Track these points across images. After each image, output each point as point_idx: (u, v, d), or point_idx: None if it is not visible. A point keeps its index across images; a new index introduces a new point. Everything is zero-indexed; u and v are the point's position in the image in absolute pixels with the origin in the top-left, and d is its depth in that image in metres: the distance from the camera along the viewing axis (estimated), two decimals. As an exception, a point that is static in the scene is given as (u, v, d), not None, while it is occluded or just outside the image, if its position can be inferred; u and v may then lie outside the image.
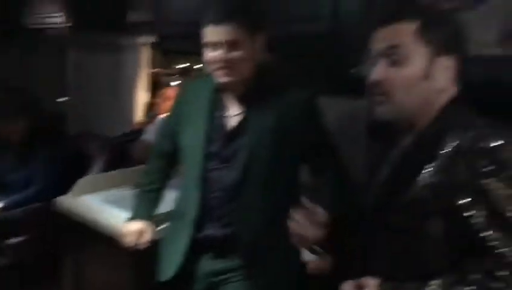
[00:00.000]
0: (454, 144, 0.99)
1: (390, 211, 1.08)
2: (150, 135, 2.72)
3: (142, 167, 2.73)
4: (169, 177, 1.91)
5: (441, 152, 1.00)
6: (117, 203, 2.28)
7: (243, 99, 1.62)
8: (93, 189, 2.44)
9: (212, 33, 1.50)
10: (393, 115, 1.09)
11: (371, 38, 1.11)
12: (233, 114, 1.64)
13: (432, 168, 1.01)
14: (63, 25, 3.59)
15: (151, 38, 2.98)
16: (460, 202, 0.95)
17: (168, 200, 1.90)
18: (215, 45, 1.51)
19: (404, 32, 1.06)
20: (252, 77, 1.59)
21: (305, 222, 1.18)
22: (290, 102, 1.60)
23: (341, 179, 1.67)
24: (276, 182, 1.62)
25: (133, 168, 2.73)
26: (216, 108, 1.65)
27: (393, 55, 1.06)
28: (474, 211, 0.94)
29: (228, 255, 1.66)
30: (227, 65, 1.52)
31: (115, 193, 2.47)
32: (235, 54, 1.51)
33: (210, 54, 1.53)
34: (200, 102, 1.68)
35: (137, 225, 1.81)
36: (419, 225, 1.01)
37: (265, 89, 1.61)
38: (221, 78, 1.56)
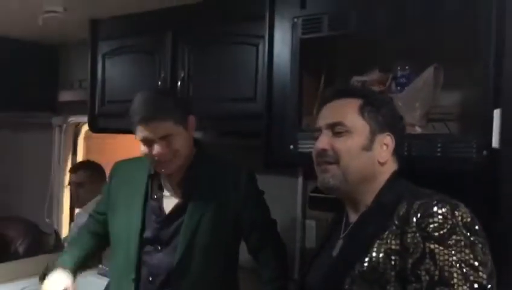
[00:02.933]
0: (404, 211, 1.04)
1: (346, 282, 1.08)
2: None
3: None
4: (99, 251, 1.81)
5: (392, 221, 1.05)
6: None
7: (181, 183, 1.61)
8: (11, 277, 2.24)
9: (143, 131, 1.51)
10: (339, 180, 1.14)
11: (317, 115, 1.20)
12: (172, 196, 1.61)
13: (385, 237, 1.05)
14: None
15: (83, 118, 2.91)
16: (410, 263, 0.99)
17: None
18: (149, 142, 1.51)
19: (347, 110, 1.16)
20: (191, 161, 1.61)
21: None
22: (229, 183, 1.60)
23: (278, 259, 1.64)
24: (215, 264, 1.58)
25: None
26: (152, 190, 1.63)
27: (337, 129, 1.15)
28: (423, 272, 0.97)
29: None
30: (164, 159, 1.52)
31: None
32: (170, 147, 1.51)
33: (146, 150, 1.53)
34: (134, 184, 1.65)
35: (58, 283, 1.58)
36: None
37: (204, 171, 1.61)
38: (160, 170, 1.58)
